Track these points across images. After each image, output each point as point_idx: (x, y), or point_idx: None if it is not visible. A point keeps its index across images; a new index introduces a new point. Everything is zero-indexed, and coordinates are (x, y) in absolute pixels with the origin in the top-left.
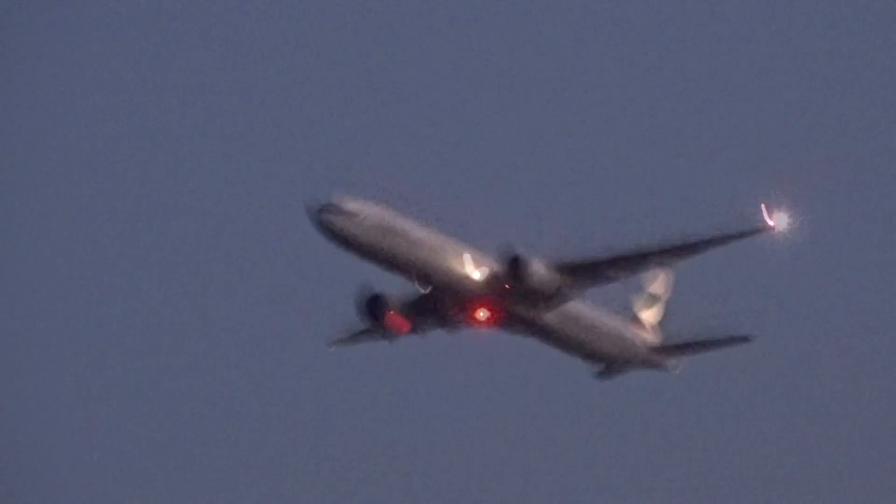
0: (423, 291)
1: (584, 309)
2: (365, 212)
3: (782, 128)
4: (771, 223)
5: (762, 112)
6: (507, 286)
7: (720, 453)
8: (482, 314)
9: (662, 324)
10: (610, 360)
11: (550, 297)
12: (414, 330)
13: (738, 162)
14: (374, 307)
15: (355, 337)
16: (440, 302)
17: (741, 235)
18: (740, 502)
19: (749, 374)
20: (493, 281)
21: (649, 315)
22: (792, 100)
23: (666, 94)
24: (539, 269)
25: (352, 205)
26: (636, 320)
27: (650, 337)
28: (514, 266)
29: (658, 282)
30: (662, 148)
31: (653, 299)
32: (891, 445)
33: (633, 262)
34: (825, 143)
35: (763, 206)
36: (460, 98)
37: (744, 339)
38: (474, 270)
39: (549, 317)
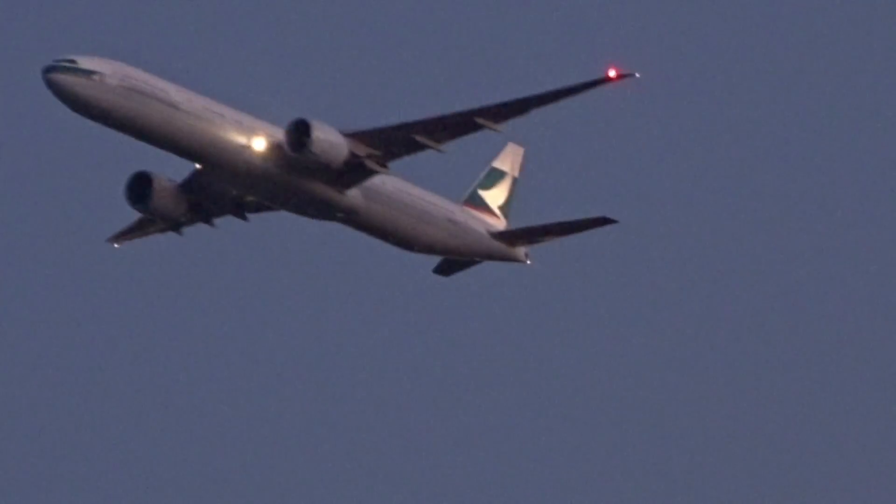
0: (196, 168)
1: (400, 186)
2: (107, 70)
3: None
4: (613, 74)
5: None
6: (291, 156)
7: (585, 364)
8: (270, 193)
9: (509, 206)
10: (441, 249)
11: (347, 171)
12: (196, 217)
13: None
14: (143, 189)
15: (137, 230)
16: (219, 180)
17: (575, 90)
18: (610, 425)
19: (617, 264)
20: (274, 151)
21: (493, 195)
22: None
23: None
24: (327, 135)
25: (91, 62)
26: (476, 201)
27: (492, 221)
28: (297, 130)
29: (504, 156)
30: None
31: (497, 176)
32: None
33: (443, 123)
34: None
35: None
36: None
37: (605, 220)
38: (251, 139)
39: (354, 196)
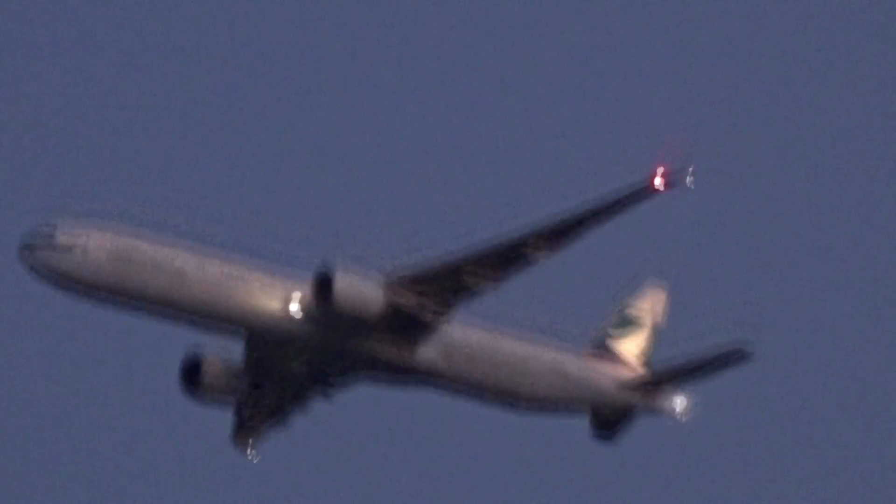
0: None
1: (487, 337)
2: (90, 242)
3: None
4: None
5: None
6: (320, 313)
7: None
8: (325, 360)
9: (649, 354)
10: (552, 405)
11: (401, 325)
12: (279, 400)
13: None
14: (195, 379)
15: (245, 427)
16: (265, 351)
17: (629, 199)
18: None
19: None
20: (309, 310)
21: (627, 345)
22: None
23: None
24: (353, 286)
25: (69, 235)
26: (604, 350)
27: (623, 371)
28: (321, 283)
29: (642, 299)
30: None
31: (632, 323)
32: None
33: (494, 258)
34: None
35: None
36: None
37: (741, 353)
38: (282, 301)
39: (428, 354)
